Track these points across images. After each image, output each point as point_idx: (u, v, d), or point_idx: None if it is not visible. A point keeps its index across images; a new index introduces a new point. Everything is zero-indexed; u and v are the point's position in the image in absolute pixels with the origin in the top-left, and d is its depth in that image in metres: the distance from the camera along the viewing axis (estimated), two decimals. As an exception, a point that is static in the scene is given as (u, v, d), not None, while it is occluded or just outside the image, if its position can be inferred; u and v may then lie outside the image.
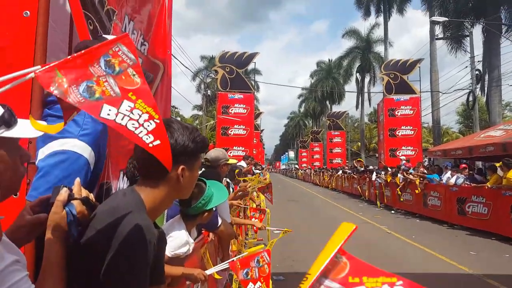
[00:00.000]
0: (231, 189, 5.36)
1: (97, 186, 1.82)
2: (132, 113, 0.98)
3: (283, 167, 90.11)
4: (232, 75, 16.88)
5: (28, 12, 1.58)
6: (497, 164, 9.49)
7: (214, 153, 3.62)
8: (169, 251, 2.04)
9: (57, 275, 1.04)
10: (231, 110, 16.83)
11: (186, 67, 49.67)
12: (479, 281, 5.64)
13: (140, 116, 0.99)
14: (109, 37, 1.55)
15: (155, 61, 2.97)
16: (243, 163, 9.14)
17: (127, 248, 1.05)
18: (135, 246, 1.07)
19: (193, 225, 2.32)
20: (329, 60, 54.05)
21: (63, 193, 1.06)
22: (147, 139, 0.99)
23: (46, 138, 1.57)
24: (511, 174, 8.91)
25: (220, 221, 2.90)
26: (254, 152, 22.09)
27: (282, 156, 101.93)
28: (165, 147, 1.02)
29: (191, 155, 1.25)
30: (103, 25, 2.02)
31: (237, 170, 5.73)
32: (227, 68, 16.87)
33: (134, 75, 1.02)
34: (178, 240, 2.14)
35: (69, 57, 0.98)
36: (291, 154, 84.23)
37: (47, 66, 0.94)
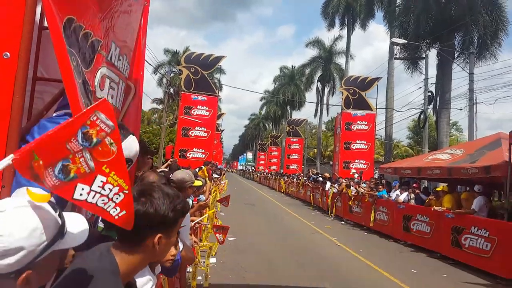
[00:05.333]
0: (191, 202, 5.37)
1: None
2: (104, 189, 1.04)
3: (240, 167, 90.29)
4: (197, 76, 16.71)
5: (8, 54, 1.54)
6: (439, 188, 10.15)
7: (180, 174, 3.61)
8: None
9: None
10: (194, 112, 16.64)
11: (146, 61, 48.15)
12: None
13: (110, 190, 1.05)
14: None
15: (129, 84, 2.94)
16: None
17: None
18: None
19: (156, 262, 2.34)
20: (292, 66, 54.92)
21: None
22: (113, 212, 1.06)
23: (18, 183, 1.55)
24: (447, 199, 9.59)
25: (181, 246, 2.92)
26: (214, 152, 22.01)
27: (240, 157, 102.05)
28: (129, 217, 1.09)
29: (170, 223, 1.27)
30: (85, 57, 1.99)
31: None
32: (192, 69, 16.68)
33: (111, 144, 1.04)
34: (141, 281, 2.15)
35: (45, 134, 0.97)
36: (249, 155, 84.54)
37: (24, 150, 0.94)
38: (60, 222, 0.97)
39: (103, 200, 1.03)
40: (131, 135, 1.92)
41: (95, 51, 2.11)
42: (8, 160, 0.92)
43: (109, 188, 1.04)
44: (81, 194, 1.01)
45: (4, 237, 0.87)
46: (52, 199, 1.00)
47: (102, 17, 2.25)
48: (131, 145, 1.89)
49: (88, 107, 1.02)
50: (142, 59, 3.28)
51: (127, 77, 2.76)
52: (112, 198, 1.05)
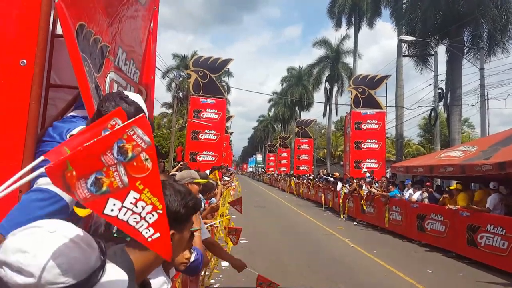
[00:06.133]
0: (203, 205, 5.36)
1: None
2: (136, 206, 0.99)
3: (250, 169, 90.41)
4: (205, 79, 16.81)
5: (25, 61, 1.55)
6: (453, 186, 10.00)
7: (179, 175, 3.65)
8: None
9: None
10: (203, 115, 16.73)
11: (156, 66, 48.45)
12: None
13: (143, 208, 0.99)
14: (132, 94, 1.60)
15: (140, 88, 2.95)
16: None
17: None
18: None
19: (171, 265, 2.33)
20: (299, 67, 54.73)
21: None
22: (146, 233, 0.99)
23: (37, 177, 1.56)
24: (461, 197, 9.44)
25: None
26: (223, 155, 22.03)
27: (250, 159, 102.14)
28: (165, 240, 1.01)
29: (182, 220, 1.27)
30: (95, 63, 2.01)
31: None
32: (201, 73, 16.78)
33: (146, 159, 0.99)
34: (156, 282, 2.14)
35: (81, 147, 0.94)
36: (259, 157, 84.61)
37: (58, 159, 0.91)
38: (86, 276, 0.88)
39: (135, 218, 0.98)
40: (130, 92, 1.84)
41: (104, 56, 2.13)
42: (41, 169, 0.89)
43: (142, 206, 0.99)
44: (112, 210, 0.96)
45: (28, 254, 0.84)
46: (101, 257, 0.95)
47: (110, 22, 2.26)
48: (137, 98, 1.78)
49: (127, 122, 0.99)
50: (153, 64, 3.27)
51: (135, 81, 2.77)
52: (144, 217, 0.99)
